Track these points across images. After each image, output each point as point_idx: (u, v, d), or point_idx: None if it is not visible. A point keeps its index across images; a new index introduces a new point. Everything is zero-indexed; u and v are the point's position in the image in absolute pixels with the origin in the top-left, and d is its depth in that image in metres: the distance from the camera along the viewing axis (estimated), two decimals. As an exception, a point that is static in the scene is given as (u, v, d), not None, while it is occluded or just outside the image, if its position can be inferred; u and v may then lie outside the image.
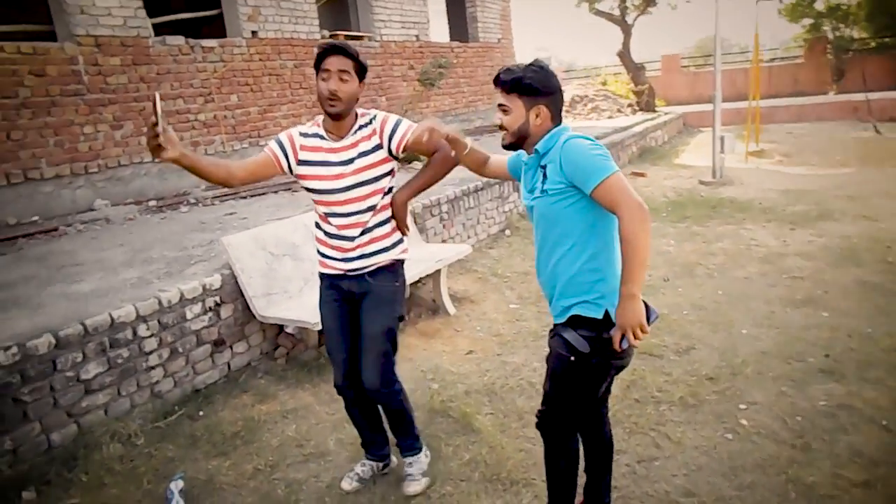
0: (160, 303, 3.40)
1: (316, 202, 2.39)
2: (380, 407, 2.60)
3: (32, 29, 5.88)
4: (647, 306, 1.86)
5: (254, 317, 3.83)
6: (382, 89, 9.90)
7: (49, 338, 2.94)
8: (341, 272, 2.42)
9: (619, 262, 1.87)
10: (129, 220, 5.81)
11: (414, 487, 2.58)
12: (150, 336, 3.36)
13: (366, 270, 2.39)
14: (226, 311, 3.78)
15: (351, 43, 8.95)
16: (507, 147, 2.07)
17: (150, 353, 3.37)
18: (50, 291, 3.66)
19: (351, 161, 2.29)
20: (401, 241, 2.47)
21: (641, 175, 9.80)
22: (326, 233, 2.41)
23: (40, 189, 5.66)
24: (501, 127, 2.02)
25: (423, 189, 2.43)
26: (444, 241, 5.85)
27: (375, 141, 2.31)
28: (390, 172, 2.39)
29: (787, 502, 2.41)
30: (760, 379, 3.36)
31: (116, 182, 6.25)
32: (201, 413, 3.41)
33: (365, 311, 2.40)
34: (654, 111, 15.60)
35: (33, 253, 4.78)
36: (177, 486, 2.68)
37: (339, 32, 9.10)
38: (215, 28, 7.86)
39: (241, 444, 3.08)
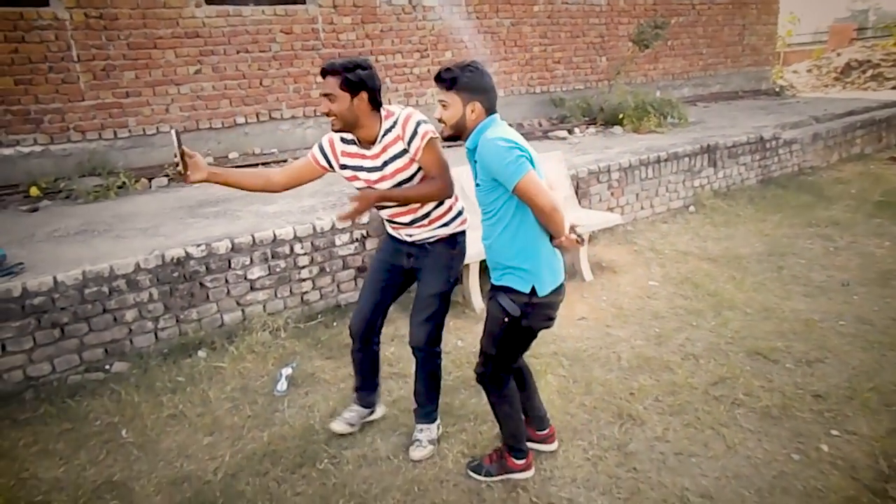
0: (314, 228, 4.15)
1: None
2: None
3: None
4: None
5: (392, 252, 4.41)
6: (603, 49, 9.65)
7: (227, 242, 3.86)
8: (405, 239, 2.66)
9: (546, 243, 2.24)
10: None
11: (420, 453, 2.70)
12: (304, 254, 4.14)
13: (427, 241, 2.61)
14: (371, 244, 4.41)
15: (570, 1, 8.27)
16: (447, 139, 2.30)
17: (303, 267, 4.16)
18: (249, 209, 4.68)
19: (383, 166, 2.42)
20: (459, 215, 2.63)
21: (901, 161, 8.13)
22: (382, 217, 2.65)
23: (279, 127, 6.97)
24: (440, 120, 2.26)
25: (399, 199, 2.36)
26: (609, 209, 5.78)
27: (401, 146, 2.40)
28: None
29: (814, 535, 2.20)
30: (881, 410, 2.90)
31: (338, 125, 7.34)
32: (335, 324, 4.13)
33: (423, 274, 2.64)
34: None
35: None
36: (286, 371, 3.41)
37: (561, -10, 9.07)
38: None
39: (348, 354, 3.68)
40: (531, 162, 2.16)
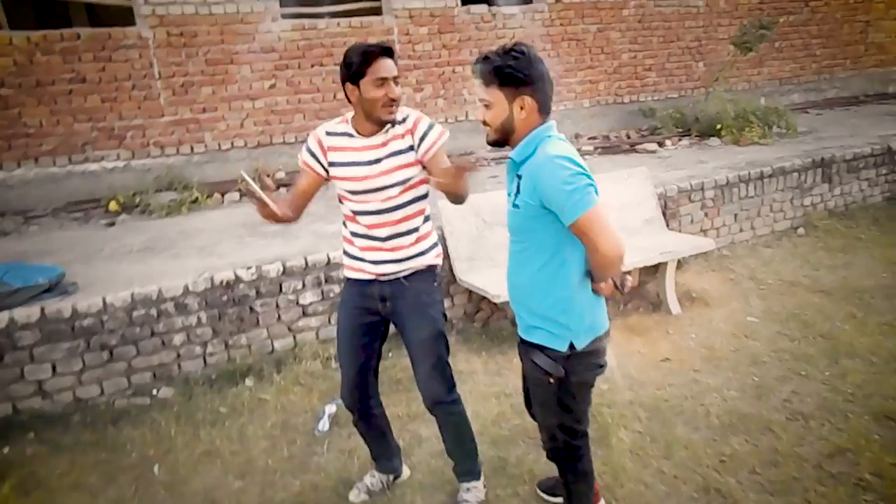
0: (370, 251, 3.90)
1: (343, 199, 2.28)
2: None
3: (364, 7, 6.99)
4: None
5: (455, 278, 4.08)
6: (700, 54, 8.90)
7: (278, 265, 3.68)
8: (372, 276, 2.28)
9: (589, 288, 1.89)
10: (412, 173, 6.60)
11: None
12: (360, 278, 3.90)
13: (401, 274, 2.26)
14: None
15: (664, 4, 7.57)
16: (493, 144, 1.92)
17: (358, 292, 3.91)
18: (310, 227, 4.50)
19: (378, 161, 2.16)
20: (435, 245, 2.34)
21: None
22: (353, 232, 2.29)
23: (353, 141, 6.85)
24: (485, 123, 1.86)
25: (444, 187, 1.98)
26: (703, 232, 5.18)
27: (409, 141, 2.17)
28: (425, 179, 2.22)
29: None
30: None
31: (413, 139, 7.13)
32: (390, 355, 3.83)
33: (406, 319, 2.29)
34: None
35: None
36: (330, 408, 3.16)
37: (654, -9, 8.44)
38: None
39: (399, 391, 3.40)
40: (596, 192, 1.77)
